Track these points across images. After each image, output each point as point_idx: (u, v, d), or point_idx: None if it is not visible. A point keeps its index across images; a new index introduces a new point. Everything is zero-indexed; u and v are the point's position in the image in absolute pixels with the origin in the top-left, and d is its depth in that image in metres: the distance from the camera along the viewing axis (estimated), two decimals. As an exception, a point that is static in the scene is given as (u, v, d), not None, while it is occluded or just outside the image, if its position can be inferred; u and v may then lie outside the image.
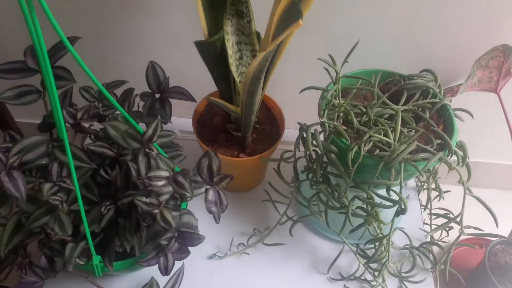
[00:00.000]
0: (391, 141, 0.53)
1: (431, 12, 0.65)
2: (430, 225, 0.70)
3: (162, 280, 0.55)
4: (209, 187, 0.49)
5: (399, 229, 0.65)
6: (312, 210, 0.62)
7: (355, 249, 0.63)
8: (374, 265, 0.62)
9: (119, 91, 0.62)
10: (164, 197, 0.48)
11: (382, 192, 0.54)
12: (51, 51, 0.58)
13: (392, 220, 0.54)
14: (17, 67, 0.58)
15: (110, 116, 0.58)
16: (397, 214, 0.53)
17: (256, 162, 0.63)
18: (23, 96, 0.58)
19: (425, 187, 0.70)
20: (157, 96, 0.62)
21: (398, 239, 0.66)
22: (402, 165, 0.51)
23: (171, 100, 0.62)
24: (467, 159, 0.56)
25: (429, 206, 0.69)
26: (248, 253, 0.65)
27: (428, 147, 0.53)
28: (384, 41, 0.70)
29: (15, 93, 0.57)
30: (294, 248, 0.66)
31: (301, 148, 0.59)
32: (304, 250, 0.66)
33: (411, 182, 0.77)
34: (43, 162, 0.52)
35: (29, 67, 0.57)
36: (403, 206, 0.52)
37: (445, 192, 0.61)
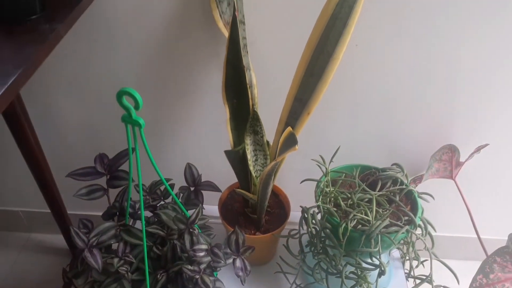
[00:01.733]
0: (370, 218, 0.71)
1: (399, 115, 0.87)
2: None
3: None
4: (236, 257, 0.66)
5: (388, 292, 0.80)
6: (316, 278, 0.78)
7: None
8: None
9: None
10: (203, 265, 0.65)
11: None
12: (115, 159, 0.79)
13: (376, 280, 0.70)
14: (89, 171, 0.78)
15: (159, 205, 0.77)
16: (379, 275, 0.69)
17: (269, 238, 0.81)
18: (92, 193, 0.77)
19: (407, 257, 0.86)
20: (192, 188, 0.82)
21: (388, 301, 0.81)
22: (379, 236, 0.69)
23: (202, 191, 0.82)
24: (429, 231, 0.74)
25: (412, 273, 0.84)
26: (265, 316, 0.79)
27: (398, 223, 0.71)
28: (363, 140, 0.91)
29: (87, 191, 0.76)
30: (303, 311, 0.80)
31: (304, 226, 0.76)
32: (311, 313, 0.80)
33: (397, 254, 0.93)
34: (112, 242, 0.70)
35: (98, 171, 0.77)
36: (383, 268, 0.68)
37: (423, 261, 0.77)
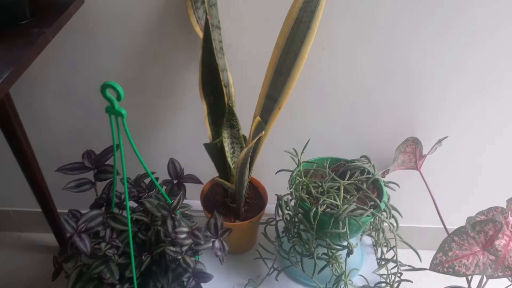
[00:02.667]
0: (338, 203, 0.77)
1: (366, 110, 0.94)
2: (381, 272, 0.91)
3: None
4: (215, 239, 0.72)
5: (360, 275, 0.86)
6: (292, 261, 0.84)
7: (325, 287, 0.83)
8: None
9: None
10: (185, 247, 0.70)
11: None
12: (102, 154, 0.84)
13: (346, 260, 0.77)
14: (77, 166, 0.84)
15: (144, 196, 0.83)
16: (348, 254, 0.76)
17: (248, 226, 0.87)
18: (81, 186, 0.82)
19: (378, 244, 0.92)
20: (175, 181, 0.88)
21: (358, 283, 0.87)
22: (347, 219, 0.75)
23: (185, 184, 0.87)
24: (393, 214, 0.80)
25: (382, 257, 0.91)
26: (244, 298, 0.85)
27: (364, 207, 0.78)
28: (333, 134, 0.98)
29: (75, 184, 0.81)
30: (280, 293, 0.86)
31: (280, 213, 0.83)
32: (288, 295, 0.86)
33: (369, 241, 1.00)
34: (99, 229, 0.75)
35: (86, 166, 0.83)
36: (350, 248, 0.75)
37: (393, 246, 0.84)
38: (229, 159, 0.79)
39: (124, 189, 0.80)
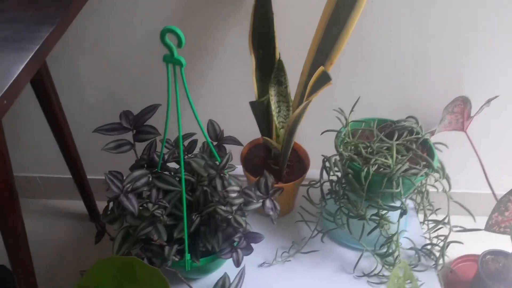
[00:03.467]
0: (391, 162, 0.75)
1: (413, 70, 0.90)
2: (429, 234, 0.89)
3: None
4: (266, 198, 0.70)
5: (405, 237, 0.84)
6: (337, 223, 0.81)
7: (372, 250, 0.81)
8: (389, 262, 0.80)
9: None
10: (235, 207, 0.68)
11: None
12: (140, 115, 0.81)
13: (398, 220, 0.74)
14: (115, 127, 0.81)
15: (188, 156, 0.80)
16: (401, 215, 0.73)
17: (291, 188, 0.84)
18: (120, 147, 0.79)
19: (421, 207, 0.90)
20: (215, 143, 0.85)
21: (405, 245, 0.85)
22: (400, 179, 0.73)
23: (225, 145, 0.85)
24: (447, 174, 0.78)
25: (424, 219, 0.89)
26: (289, 260, 0.83)
27: (416, 167, 0.75)
28: (379, 94, 0.95)
29: (115, 145, 0.79)
30: (325, 255, 0.85)
31: (325, 176, 0.80)
32: (333, 257, 0.84)
33: (411, 205, 0.97)
34: (144, 189, 0.73)
35: (124, 126, 0.80)
36: (404, 208, 0.72)
37: (437, 209, 0.82)
38: (274, 118, 0.76)
39: (162, 150, 0.77)
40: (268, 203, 0.69)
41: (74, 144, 1.06)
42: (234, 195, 0.67)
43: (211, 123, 0.84)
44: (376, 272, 0.81)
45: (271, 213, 0.68)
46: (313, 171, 0.86)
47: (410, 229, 0.90)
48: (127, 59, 0.93)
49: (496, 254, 0.98)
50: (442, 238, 0.82)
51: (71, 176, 1.11)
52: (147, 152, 0.81)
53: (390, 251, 0.78)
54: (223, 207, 0.67)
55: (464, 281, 1.04)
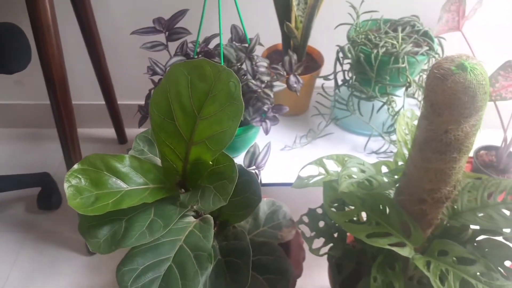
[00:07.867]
0: (397, 43, 0.85)
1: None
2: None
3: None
4: (290, 74, 0.80)
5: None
6: (350, 109, 0.92)
7: (379, 134, 0.92)
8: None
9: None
10: (265, 79, 0.78)
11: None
12: (171, 19, 0.91)
13: (404, 93, 0.85)
14: (149, 30, 0.90)
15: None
16: (406, 88, 0.84)
17: (307, 81, 0.95)
18: (155, 47, 0.89)
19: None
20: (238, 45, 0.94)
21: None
22: (405, 57, 0.83)
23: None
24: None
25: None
26: (307, 144, 0.95)
27: (419, 48, 0.86)
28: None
29: (151, 45, 0.89)
30: (338, 139, 0.96)
31: (338, 67, 0.90)
32: (345, 141, 0.96)
33: (413, 102, 1.08)
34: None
35: (157, 29, 0.90)
36: (409, 81, 0.83)
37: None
38: (294, 9, 0.86)
39: (193, 49, 0.87)
40: (292, 77, 0.79)
41: (107, 69, 1.15)
42: (263, 69, 0.78)
43: (234, 27, 0.94)
44: (384, 149, 0.92)
45: (295, 85, 0.79)
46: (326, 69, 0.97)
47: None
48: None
49: (488, 149, 1.10)
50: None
51: (102, 102, 1.20)
52: (180, 50, 0.91)
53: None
54: (253, 81, 0.78)
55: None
